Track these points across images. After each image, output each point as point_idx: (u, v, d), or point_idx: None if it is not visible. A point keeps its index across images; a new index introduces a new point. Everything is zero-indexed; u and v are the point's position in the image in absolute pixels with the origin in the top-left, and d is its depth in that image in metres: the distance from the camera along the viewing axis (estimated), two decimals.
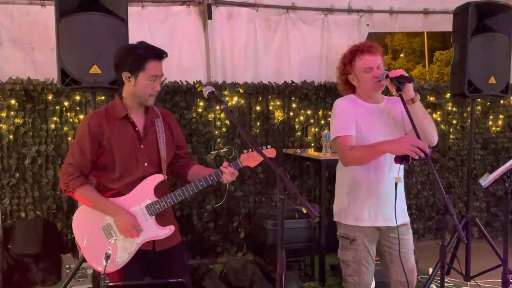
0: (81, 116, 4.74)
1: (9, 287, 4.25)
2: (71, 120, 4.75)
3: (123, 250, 2.51)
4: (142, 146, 2.58)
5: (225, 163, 2.56)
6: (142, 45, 2.56)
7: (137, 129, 2.58)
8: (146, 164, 2.57)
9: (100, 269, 2.44)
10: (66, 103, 4.73)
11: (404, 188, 2.87)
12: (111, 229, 2.52)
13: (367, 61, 2.74)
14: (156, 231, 2.55)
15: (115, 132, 2.53)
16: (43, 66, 4.71)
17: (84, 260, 3.56)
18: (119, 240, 2.51)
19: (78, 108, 4.77)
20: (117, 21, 3.52)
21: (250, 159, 2.59)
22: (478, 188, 5.70)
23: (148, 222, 2.54)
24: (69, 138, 4.73)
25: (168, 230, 2.57)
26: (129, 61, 2.50)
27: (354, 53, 2.79)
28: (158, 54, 2.54)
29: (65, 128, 4.74)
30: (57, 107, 4.72)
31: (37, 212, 4.71)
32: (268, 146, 2.60)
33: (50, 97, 4.69)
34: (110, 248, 2.41)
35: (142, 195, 2.55)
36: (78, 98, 4.74)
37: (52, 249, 4.52)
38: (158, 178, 2.58)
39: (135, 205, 2.55)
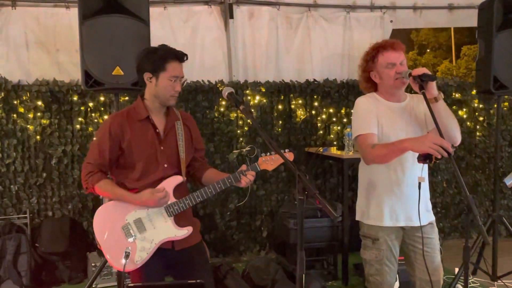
0: (106, 117, 4.81)
1: (37, 285, 4.36)
2: (95, 120, 4.83)
3: (142, 250, 2.54)
4: (162, 148, 2.63)
5: (244, 166, 2.59)
6: (163, 47, 2.63)
7: (157, 130, 2.63)
8: (166, 165, 2.62)
9: (119, 268, 2.49)
10: (90, 104, 4.81)
11: (429, 187, 2.83)
12: (131, 229, 2.56)
13: (390, 56, 2.71)
14: (174, 232, 2.59)
15: (136, 134, 2.59)
16: (68, 68, 4.80)
17: None
18: (138, 239, 2.55)
19: (102, 108, 4.84)
20: (139, 22, 3.56)
21: (268, 163, 2.63)
22: (506, 186, 5.58)
23: (167, 223, 2.58)
24: (94, 138, 4.78)
25: (187, 231, 2.60)
26: (150, 62, 2.58)
27: (377, 49, 2.77)
28: (179, 56, 2.61)
29: (90, 129, 4.82)
30: (82, 108, 4.80)
31: (64, 211, 4.81)
32: (286, 150, 2.63)
33: (75, 98, 4.77)
34: (130, 248, 2.47)
35: None
36: (102, 99, 4.81)
37: (78, 247, 4.60)
38: (177, 179, 2.62)
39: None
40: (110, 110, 4.80)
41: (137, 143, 2.58)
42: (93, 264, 4.34)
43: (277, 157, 2.61)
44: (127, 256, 2.41)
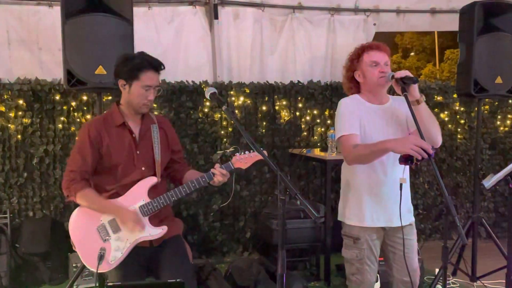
0: (88, 116, 4.78)
1: (17, 286, 4.31)
2: (78, 120, 4.79)
3: (116, 250, 2.57)
4: (138, 152, 2.68)
5: (217, 165, 2.64)
6: (140, 55, 2.68)
7: (134, 135, 2.69)
8: (143, 168, 2.68)
9: (93, 269, 2.51)
10: (73, 103, 4.77)
11: (410, 188, 2.87)
12: (105, 230, 2.60)
13: (374, 55, 2.77)
14: (149, 231, 2.62)
15: (113, 139, 2.65)
16: (51, 67, 4.75)
17: None
18: (112, 239, 2.58)
19: (85, 108, 4.81)
20: (123, 22, 3.54)
21: (242, 161, 2.68)
22: (485, 188, 5.66)
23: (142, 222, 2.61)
24: (76, 138, 4.76)
25: (161, 230, 2.64)
26: (125, 69, 2.63)
27: (362, 49, 2.83)
28: (154, 65, 2.64)
29: (73, 128, 4.78)
30: (65, 107, 4.76)
31: (45, 211, 4.76)
32: (261, 148, 2.65)
33: (57, 97, 4.73)
34: (104, 248, 2.52)
35: (136, 197, 2.63)
36: (85, 98, 4.78)
37: (59, 248, 4.55)
38: (151, 180, 2.67)
39: (129, 205, 2.62)
40: (93, 109, 4.77)
41: (115, 148, 2.64)
42: (74, 265, 4.30)
43: (252, 156, 2.66)
44: (101, 256, 2.46)
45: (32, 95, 4.67)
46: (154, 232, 2.61)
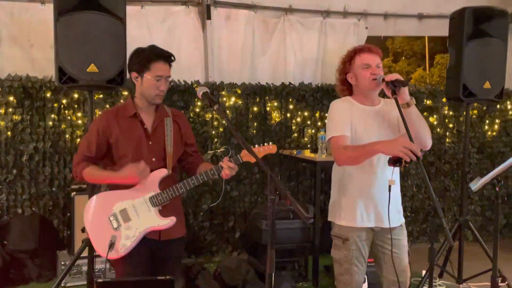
0: (79, 114, 4.78)
1: (4, 283, 4.28)
2: (69, 117, 4.78)
3: (126, 238, 2.63)
4: (150, 143, 2.75)
5: (226, 158, 2.66)
6: (150, 47, 2.76)
7: (145, 126, 2.76)
8: (154, 159, 2.73)
9: (104, 255, 2.58)
10: (64, 101, 4.76)
11: (399, 190, 2.91)
12: (117, 219, 2.66)
13: (366, 58, 2.81)
14: (157, 221, 2.67)
15: (123, 130, 2.72)
16: (42, 64, 4.74)
17: (79, 257, 3.65)
18: (122, 228, 2.64)
19: (76, 106, 4.80)
20: (115, 20, 3.54)
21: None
22: (474, 192, 5.72)
23: (151, 212, 2.67)
24: (67, 136, 4.76)
25: (169, 221, 2.68)
26: (136, 62, 2.72)
27: (354, 51, 2.87)
28: (164, 56, 2.73)
29: (63, 126, 4.77)
30: (55, 105, 4.75)
31: (34, 209, 4.74)
32: (270, 143, 2.74)
33: (48, 94, 4.72)
34: (115, 236, 2.60)
35: (147, 188, 2.69)
36: (76, 96, 4.77)
37: (47, 245, 4.55)
38: (162, 172, 2.72)
39: (139, 196, 2.68)
40: (84, 107, 4.76)
41: (124, 139, 2.71)
42: (62, 263, 4.29)
43: (260, 150, 2.71)
44: (111, 244, 2.55)
45: (23, 92, 4.65)
46: (162, 223, 2.67)
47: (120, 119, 2.74)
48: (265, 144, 2.74)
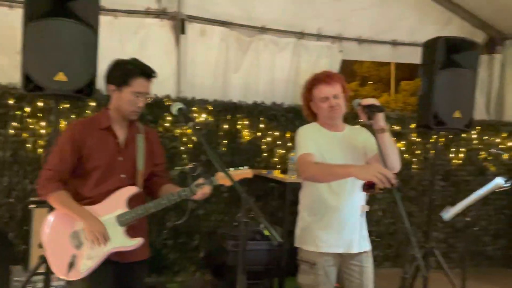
0: (43, 123, 4.60)
1: None
2: (31, 126, 4.59)
3: (88, 258, 2.50)
4: (120, 158, 2.62)
5: (201, 180, 2.59)
6: (133, 61, 2.64)
7: (117, 141, 2.63)
8: (123, 175, 2.61)
9: (62, 276, 2.44)
10: (27, 109, 4.57)
11: (365, 215, 2.90)
12: (79, 237, 2.52)
13: (323, 90, 2.81)
14: (125, 242, 2.55)
15: (96, 142, 2.59)
16: (7, 70, 4.53)
17: (35, 273, 3.46)
18: (85, 248, 2.50)
19: (40, 114, 4.62)
20: (88, 29, 3.42)
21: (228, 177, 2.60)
22: (438, 219, 5.78)
23: (118, 232, 2.54)
24: (28, 145, 4.57)
25: (137, 242, 2.57)
26: (116, 75, 2.60)
27: (312, 82, 2.88)
28: (146, 72, 2.61)
29: (25, 134, 4.57)
30: (18, 112, 4.55)
31: None
32: (246, 167, 2.66)
33: (11, 101, 4.52)
34: (76, 255, 2.45)
35: (115, 205, 2.57)
36: (41, 104, 4.60)
37: (1, 259, 4.32)
38: (131, 189, 2.61)
39: (106, 214, 2.55)
40: (48, 117, 4.59)
41: (96, 151, 2.58)
42: (15, 279, 4.08)
43: (236, 173, 2.62)
44: (71, 264, 2.39)
45: None
46: (129, 243, 2.55)
47: (93, 130, 2.62)
48: (240, 168, 2.66)
